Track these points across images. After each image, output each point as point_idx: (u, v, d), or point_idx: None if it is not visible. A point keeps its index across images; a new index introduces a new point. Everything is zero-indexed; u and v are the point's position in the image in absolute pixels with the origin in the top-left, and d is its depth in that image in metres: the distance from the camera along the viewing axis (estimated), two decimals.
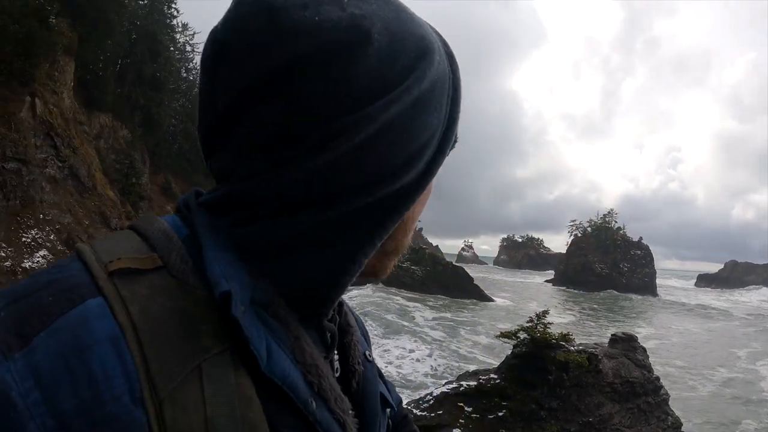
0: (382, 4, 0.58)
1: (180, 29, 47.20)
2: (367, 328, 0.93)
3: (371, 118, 0.54)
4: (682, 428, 13.92)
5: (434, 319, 32.64)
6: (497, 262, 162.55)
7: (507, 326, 15.75)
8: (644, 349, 14.73)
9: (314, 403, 0.56)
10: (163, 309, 0.49)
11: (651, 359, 14.72)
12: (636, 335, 15.32)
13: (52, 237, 19.94)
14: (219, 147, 0.61)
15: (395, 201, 0.60)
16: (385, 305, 35.24)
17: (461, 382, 11.96)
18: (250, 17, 0.55)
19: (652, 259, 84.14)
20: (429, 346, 24.05)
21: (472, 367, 15.86)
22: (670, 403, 14.11)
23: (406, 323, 29.59)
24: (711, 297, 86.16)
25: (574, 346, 12.84)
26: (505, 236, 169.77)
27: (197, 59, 54.05)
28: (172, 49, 42.77)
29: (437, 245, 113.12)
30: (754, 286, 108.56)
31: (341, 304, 0.76)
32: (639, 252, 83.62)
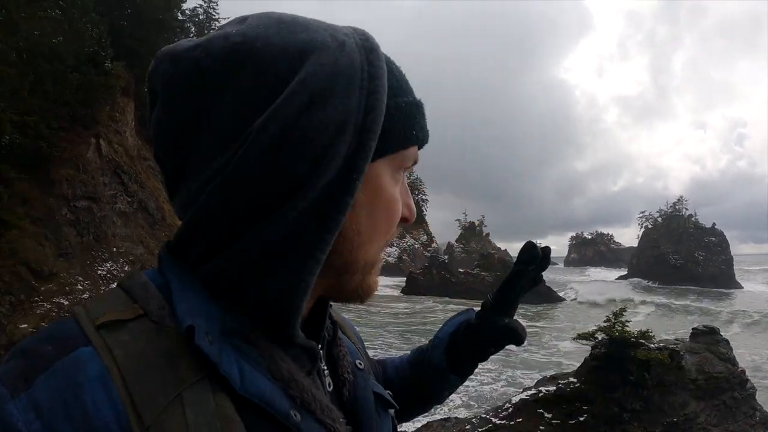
0: (260, 21, 0.63)
1: None
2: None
3: (259, 131, 0.58)
4: None
5: None
6: (567, 261, 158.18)
7: (585, 327, 15.39)
8: (727, 342, 14.14)
9: (298, 416, 0.61)
10: (144, 350, 0.56)
11: (735, 351, 14.17)
12: (717, 328, 14.78)
13: (126, 268, 20.98)
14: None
15: (322, 209, 0.61)
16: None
17: (540, 388, 11.80)
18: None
19: (728, 245, 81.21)
20: (506, 353, 23.52)
21: (550, 372, 15.53)
22: (756, 397, 13.48)
23: None
24: None
25: (654, 344, 12.43)
26: (574, 234, 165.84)
27: None
28: None
29: (505, 249, 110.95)
30: None
31: (330, 318, 0.81)
32: (713, 239, 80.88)
